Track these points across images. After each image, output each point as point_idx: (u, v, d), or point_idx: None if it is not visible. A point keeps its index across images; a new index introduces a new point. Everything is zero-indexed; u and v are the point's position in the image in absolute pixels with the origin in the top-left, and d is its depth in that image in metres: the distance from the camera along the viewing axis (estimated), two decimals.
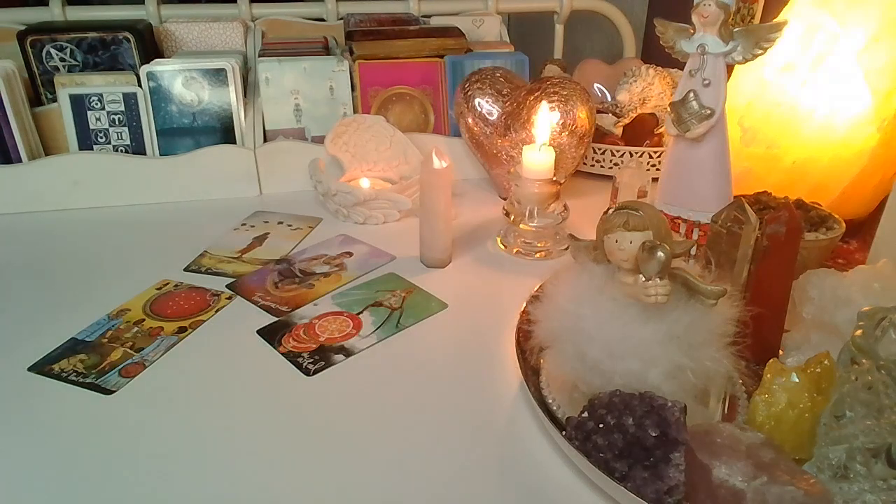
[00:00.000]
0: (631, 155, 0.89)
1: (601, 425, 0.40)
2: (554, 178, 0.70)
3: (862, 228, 0.73)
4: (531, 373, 0.50)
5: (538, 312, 0.47)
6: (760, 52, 0.58)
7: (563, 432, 0.43)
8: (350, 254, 0.72)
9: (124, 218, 0.80)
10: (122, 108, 0.83)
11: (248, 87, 0.91)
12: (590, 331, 0.43)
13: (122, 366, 0.53)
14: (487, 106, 0.82)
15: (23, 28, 0.88)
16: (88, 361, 0.54)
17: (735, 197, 0.59)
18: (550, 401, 0.48)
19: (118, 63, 0.89)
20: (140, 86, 0.83)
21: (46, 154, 0.84)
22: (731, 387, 0.47)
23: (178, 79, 0.84)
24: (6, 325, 0.59)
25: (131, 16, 1.00)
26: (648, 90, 0.91)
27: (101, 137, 0.83)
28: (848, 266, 0.57)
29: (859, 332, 0.43)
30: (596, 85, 1.00)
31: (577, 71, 1.05)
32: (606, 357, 0.42)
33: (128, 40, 0.88)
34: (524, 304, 0.56)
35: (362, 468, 0.44)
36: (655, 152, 0.88)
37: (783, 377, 0.42)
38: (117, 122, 0.83)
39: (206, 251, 0.72)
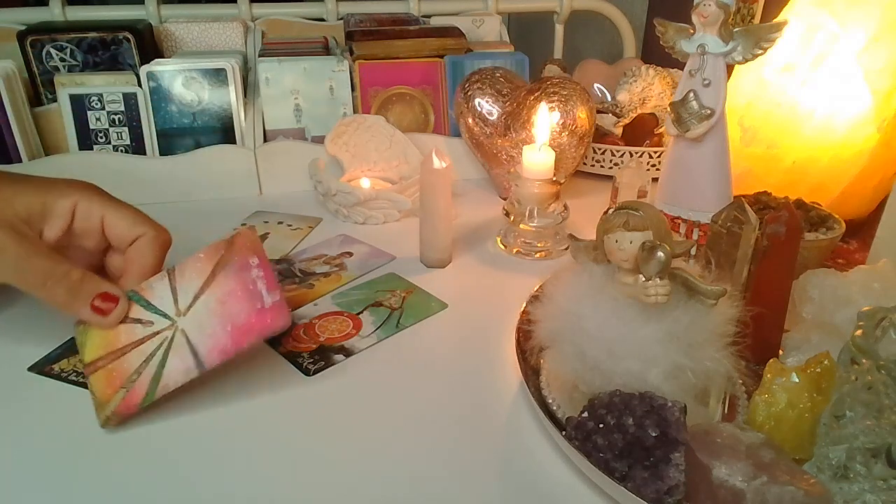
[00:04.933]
0: (631, 155, 0.89)
1: (601, 425, 0.40)
2: (554, 178, 0.70)
3: (862, 228, 0.73)
4: (531, 373, 0.50)
5: (538, 312, 0.47)
6: (760, 52, 0.58)
7: (563, 432, 0.43)
8: (350, 254, 0.72)
9: None
10: (122, 108, 0.83)
11: (248, 87, 0.92)
12: (590, 331, 0.43)
13: None
14: (487, 106, 0.82)
15: (23, 28, 0.88)
16: None
17: (735, 197, 0.59)
18: (550, 401, 0.48)
19: (118, 63, 0.89)
20: (140, 86, 0.83)
21: (46, 154, 0.84)
22: (731, 387, 0.47)
23: (178, 79, 0.84)
24: (6, 324, 0.59)
25: (131, 16, 1.00)
26: (648, 90, 0.91)
27: (101, 137, 0.83)
28: (848, 266, 0.57)
29: (859, 332, 0.43)
30: (596, 85, 1.00)
31: (577, 71, 1.05)
32: (606, 357, 0.42)
33: (128, 40, 0.88)
34: (524, 304, 0.56)
35: (362, 468, 0.44)
36: (655, 152, 0.88)
37: (783, 377, 0.42)
38: (117, 122, 0.83)
39: None
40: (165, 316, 0.51)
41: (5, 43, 0.89)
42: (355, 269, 0.69)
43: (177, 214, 0.81)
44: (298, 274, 0.68)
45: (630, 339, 0.42)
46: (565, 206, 0.72)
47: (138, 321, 0.51)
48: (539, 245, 0.72)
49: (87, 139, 0.83)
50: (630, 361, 0.42)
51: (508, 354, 0.54)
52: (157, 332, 0.50)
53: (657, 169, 0.85)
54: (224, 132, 0.87)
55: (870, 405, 0.39)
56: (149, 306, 0.52)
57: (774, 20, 0.58)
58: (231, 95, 0.86)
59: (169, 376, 0.48)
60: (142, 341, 0.50)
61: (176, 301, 0.51)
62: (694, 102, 0.60)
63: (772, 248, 0.48)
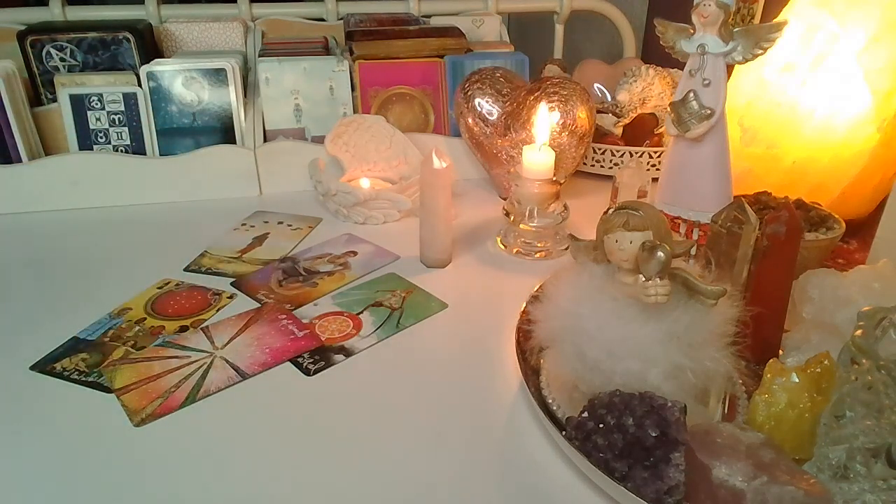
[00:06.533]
0: (631, 155, 0.89)
1: (601, 425, 0.40)
2: (554, 178, 0.70)
3: (862, 228, 0.73)
4: (531, 373, 0.50)
5: (538, 312, 0.47)
6: (760, 52, 0.58)
7: (563, 432, 0.43)
8: (355, 253, 0.72)
9: (124, 218, 0.80)
10: (122, 108, 0.83)
11: (248, 87, 0.92)
12: (590, 331, 0.43)
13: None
14: (487, 106, 0.82)
15: (23, 28, 0.88)
16: (90, 360, 0.54)
17: (735, 197, 0.59)
18: (550, 401, 0.48)
19: (118, 63, 0.89)
20: (140, 86, 0.83)
21: (46, 154, 0.84)
22: (731, 387, 0.47)
23: (178, 79, 0.84)
24: (8, 324, 0.59)
25: (131, 16, 1.00)
26: (648, 90, 0.91)
27: (101, 137, 0.83)
28: (848, 266, 0.57)
29: (859, 332, 0.43)
30: (596, 85, 1.00)
31: (577, 71, 1.05)
32: (606, 357, 0.42)
33: (128, 40, 0.88)
34: (524, 304, 0.56)
35: (362, 468, 0.44)
36: (655, 152, 0.88)
37: (783, 377, 0.42)
38: (117, 122, 0.83)
39: (206, 251, 0.72)
40: (202, 351, 0.55)
41: (5, 43, 0.89)
42: (359, 269, 0.69)
43: (177, 214, 0.81)
44: (303, 272, 0.68)
45: (630, 340, 0.42)
46: (565, 206, 0.72)
47: (173, 357, 0.54)
48: (539, 245, 0.72)
49: (87, 139, 0.83)
50: (630, 361, 0.42)
51: (508, 354, 0.54)
52: (194, 361, 0.54)
53: (657, 169, 0.85)
54: (224, 132, 0.87)
55: (870, 405, 0.39)
56: (184, 348, 0.55)
57: (774, 20, 0.58)
58: (231, 95, 0.86)
59: (210, 384, 0.51)
60: (178, 367, 0.53)
61: (212, 342, 0.56)
62: (694, 102, 0.60)
63: (772, 248, 0.48)
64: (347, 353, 0.55)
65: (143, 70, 0.83)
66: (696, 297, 0.41)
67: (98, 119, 0.83)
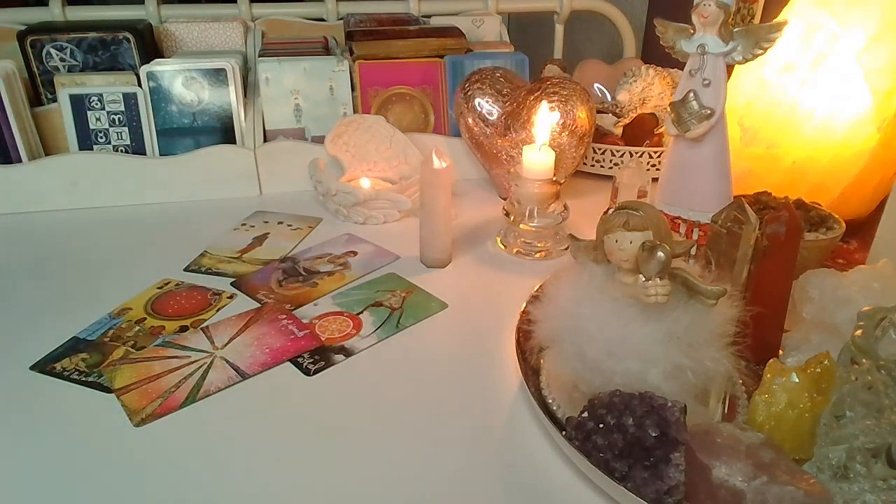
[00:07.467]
0: (631, 155, 0.89)
1: (601, 425, 0.40)
2: (554, 178, 0.70)
3: (862, 228, 0.73)
4: (531, 373, 0.50)
5: (538, 312, 0.47)
6: (760, 52, 0.58)
7: (563, 432, 0.43)
8: (355, 253, 0.72)
9: (124, 218, 0.80)
10: (122, 108, 0.83)
11: (248, 87, 0.92)
12: (590, 331, 0.43)
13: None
14: (487, 106, 0.82)
15: (23, 28, 0.88)
16: (90, 360, 0.54)
17: (735, 197, 0.59)
18: (550, 401, 0.48)
19: (118, 63, 0.89)
20: (140, 86, 0.83)
21: (46, 154, 0.84)
22: (731, 387, 0.47)
23: (178, 79, 0.84)
24: (8, 324, 0.59)
25: (131, 16, 1.00)
26: (648, 90, 0.91)
27: (101, 137, 0.83)
28: (848, 266, 0.57)
29: (859, 332, 0.43)
30: (596, 85, 1.00)
31: (577, 71, 1.05)
32: (606, 357, 0.42)
33: (128, 40, 0.88)
34: (524, 304, 0.56)
35: (362, 468, 0.44)
36: (655, 152, 0.88)
37: (783, 377, 0.42)
38: (117, 122, 0.83)
39: (206, 251, 0.72)
40: (202, 351, 0.55)
41: (5, 43, 0.89)
42: (359, 269, 0.69)
43: (177, 214, 0.81)
44: (303, 272, 0.68)
45: (630, 340, 0.42)
46: (565, 206, 0.72)
47: (173, 357, 0.54)
48: (539, 245, 0.72)
49: (87, 139, 0.83)
50: (630, 361, 0.42)
51: (508, 354, 0.54)
52: (194, 361, 0.54)
53: (657, 169, 0.85)
54: (224, 132, 0.87)
55: (870, 405, 0.39)
56: (184, 348, 0.55)
57: (774, 20, 0.58)
58: (231, 95, 0.86)
59: (210, 384, 0.51)
60: (178, 367, 0.53)
61: (212, 342, 0.56)
62: (694, 102, 0.60)
63: (772, 248, 0.48)
64: (347, 353, 0.55)
65: (143, 70, 0.83)
66: (696, 297, 0.41)
67: (98, 119, 0.83)
